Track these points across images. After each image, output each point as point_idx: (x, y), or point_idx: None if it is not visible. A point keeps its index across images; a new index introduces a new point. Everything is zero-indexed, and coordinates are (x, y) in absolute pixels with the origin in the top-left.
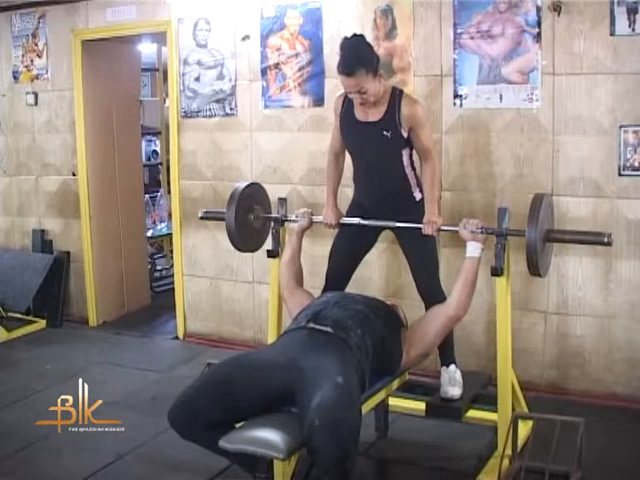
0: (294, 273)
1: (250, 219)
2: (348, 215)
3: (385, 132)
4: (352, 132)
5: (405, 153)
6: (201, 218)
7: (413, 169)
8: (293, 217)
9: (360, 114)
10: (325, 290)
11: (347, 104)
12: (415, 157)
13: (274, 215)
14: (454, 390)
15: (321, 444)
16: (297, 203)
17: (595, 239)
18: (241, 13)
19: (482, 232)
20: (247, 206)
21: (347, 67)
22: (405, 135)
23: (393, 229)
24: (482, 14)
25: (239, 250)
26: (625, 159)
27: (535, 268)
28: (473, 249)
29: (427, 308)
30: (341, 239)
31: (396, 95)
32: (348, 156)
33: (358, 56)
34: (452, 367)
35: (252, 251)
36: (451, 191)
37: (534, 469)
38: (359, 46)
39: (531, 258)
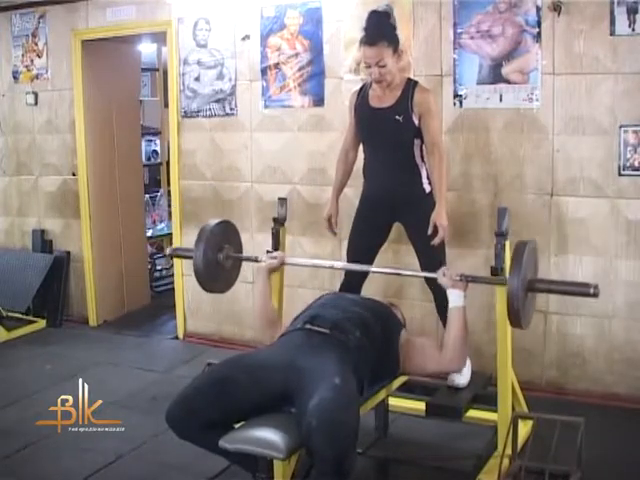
0: (269, 322)
1: (220, 259)
2: (358, 209)
3: (397, 117)
4: (366, 119)
5: (417, 143)
6: (169, 256)
7: (424, 161)
8: (264, 258)
9: (374, 100)
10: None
11: (362, 95)
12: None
13: (245, 255)
14: (460, 379)
15: (318, 445)
16: (297, 203)
17: (581, 290)
18: (241, 13)
19: (462, 280)
20: (216, 245)
21: (370, 37)
22: (416, 122)
23: (400, 219)
24: (482, 14)
25: (207, 292)
26: (625, 159)
27: (517, 319)
28: (456, 298)
29: (435, 299)
30: (354, 236)
31: (411, 84)
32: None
33: (382, 28)
34: None
35: (221, 292)
36: (451, 191)
37: (534, 469)
38: (384, 20)
39: (512, 309)
